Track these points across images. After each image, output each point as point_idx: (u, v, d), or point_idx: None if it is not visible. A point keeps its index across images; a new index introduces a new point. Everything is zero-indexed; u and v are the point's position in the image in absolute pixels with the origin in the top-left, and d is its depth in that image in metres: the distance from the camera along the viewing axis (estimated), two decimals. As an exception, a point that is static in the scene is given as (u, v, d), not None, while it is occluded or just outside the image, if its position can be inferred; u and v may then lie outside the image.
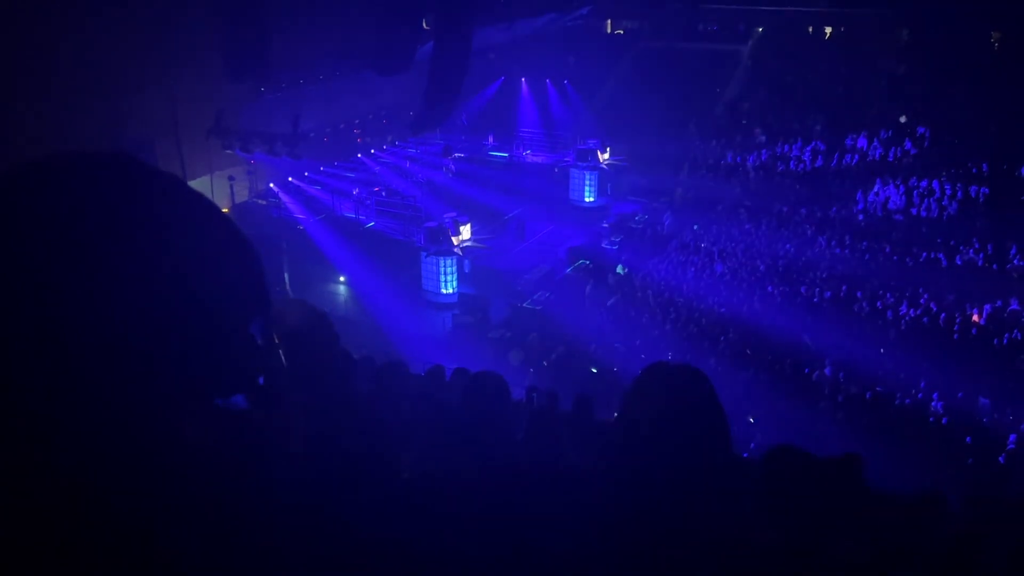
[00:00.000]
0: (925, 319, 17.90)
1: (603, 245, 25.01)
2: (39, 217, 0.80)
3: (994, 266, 20.36)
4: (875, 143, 27.54)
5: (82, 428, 0.77)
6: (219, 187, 24.72)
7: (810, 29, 34.84)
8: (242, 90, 21.96)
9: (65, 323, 0.76)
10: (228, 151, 24.17)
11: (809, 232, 23.52)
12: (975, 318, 17.73)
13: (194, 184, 0.97)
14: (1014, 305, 17.93)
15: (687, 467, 1.74)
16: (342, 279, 23.05)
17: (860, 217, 24.34)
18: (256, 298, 0.91)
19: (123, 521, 0.80)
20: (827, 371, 15.81)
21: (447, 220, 22.71)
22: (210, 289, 0.86)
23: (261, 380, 0.90)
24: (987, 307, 17.87)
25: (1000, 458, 12.82)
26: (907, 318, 17.98)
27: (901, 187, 24.86)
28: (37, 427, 0.77)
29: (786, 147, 28.75)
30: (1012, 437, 13.03)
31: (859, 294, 19.09)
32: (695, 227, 25.16)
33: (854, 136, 28.03)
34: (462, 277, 22.77)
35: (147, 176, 0.88)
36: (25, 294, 0.77)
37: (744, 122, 31.02)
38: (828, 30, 34.65)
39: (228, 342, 0.86)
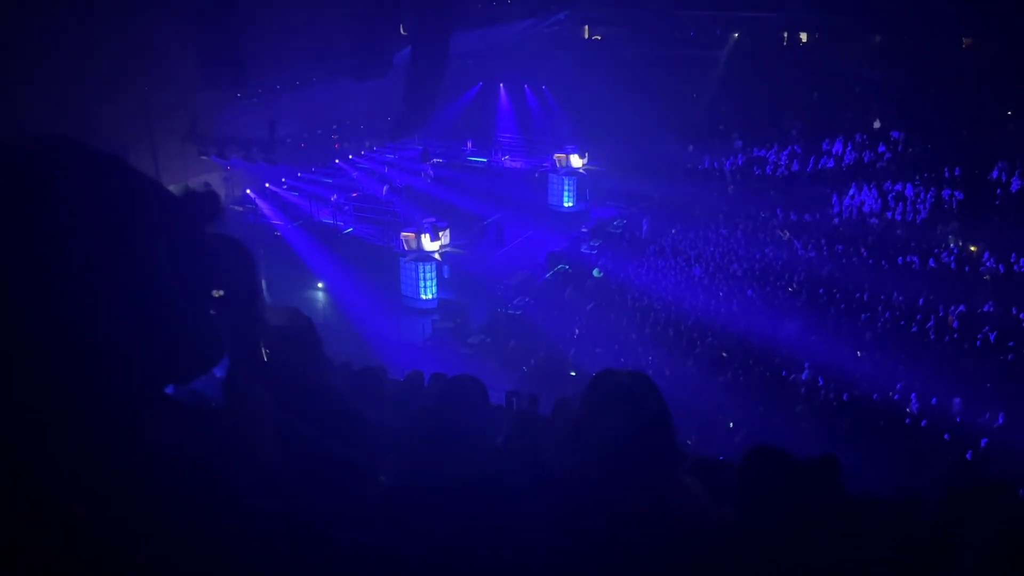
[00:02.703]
0: (901, 321, 18.09)
1: (582, 250, 25.07)
2: None
3: (967, 268, 20.64)
4: (850, 147, 27.84)
5: (36, 429, 0.74)
6: (195, 193, 24.47)
7: (786, 35, 35.16)
8: (218, 95, 21.80)
9: (11, 320, 0.73)
10: (204, 157, 23.98)
11: (786, 235, 23.72)
12: (950, 320, 17.95)
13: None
14: (988, 307, 18.19)
15: (637, 462, 1.80)
16: (320, 285, 22.94)
17: (836, 221, 24.59)
18: (204, 280, 0.88)
19: (88, 526, 0.77)
20: (804, 375, 15.92)
21: (426, 225, 22.67)
22: (155, 272, 0.82)
23: (219, 371, 0.87)
24: (961, 309, 18.10)
25: (969, 454, 12.97)
26: (883, 320, 18.16)
27: (876, 191, 25.15)
28: (6, 433, 0.75)
29: (763, 152, 28.99)
30: (984, 441, 13.18)
31: (838, 297, 19.27)
32: (673, 231, 25.30)
33: (830, 141, 28.33)
34: (441, 282, 22.72)
35: (82, 157, 0.84)
36: None
37: (721, 127, 31.26)
38: (803, 36, 35.00)
39: (176, 326, 0.83)
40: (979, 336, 17.07)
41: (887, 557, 4.01)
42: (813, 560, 2.42)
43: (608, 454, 1.82)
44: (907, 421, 14.26)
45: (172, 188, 0.94)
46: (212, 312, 0.88)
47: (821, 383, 15.57)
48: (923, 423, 14.12)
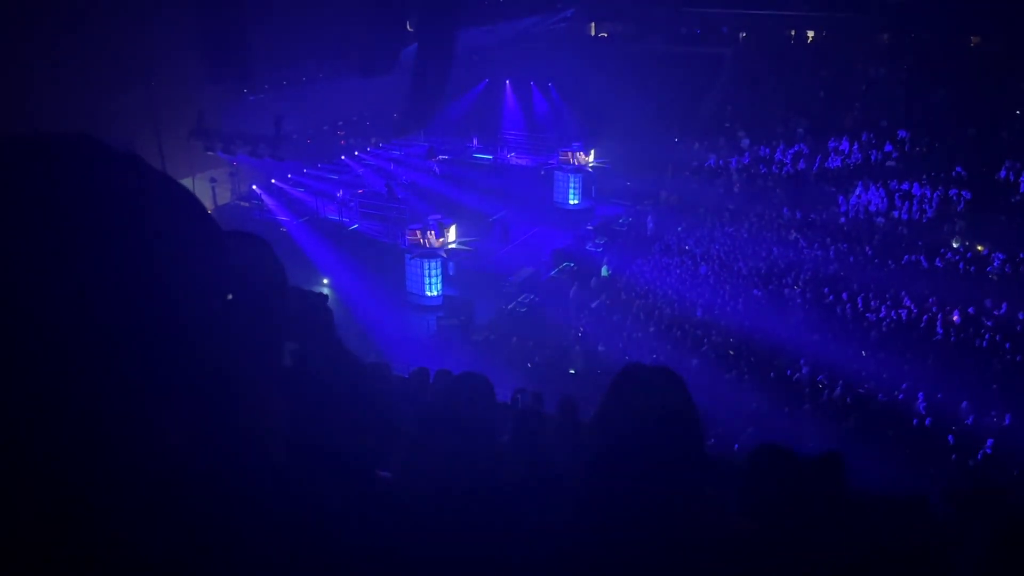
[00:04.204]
0: (907, 321, 18.04)
1: (587, 247, 25.06)
2: None
3: (973, 268, 20.57)
4: (856, 146, 27.76)
5: (45, 425, 0.73)
6: (201, 189, 24.57)
7: (792, 33, 35.10)
8: (224, 91, 21.84)
9: (24, 316, 0.72)
10: (210, 153, 24.04)
11: (792, 235, 23.68)
12: (955, 320, 17.89)
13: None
14: (993, 307, 18.12)
15: (662, 465, 1.76)
16: (325, 281, 22.97)
17: (842, 220, 24.53)
18: (220, 278, 0.87)
19: (96, 523, 0.77)
20: (804, 371, 15.91)
21: (432, 222, 22.68)
22: (169, 269, 0.81)
23: (234, 368, 0.86)
24: (970, 309, 18.05)
25: (978, 455, 12.93)
26: (889, 320, 18.12)
27: (882, 190, 25.08)
28: (17, 430, 0.75)
29: (769, 150, 28.93)
30: (989, 442, 13.13)
31: (844, 296, 19.22)
32: (679, 229, 25.27)
33: (836, 139, 28.25)
34: (446, 279, 22.74)
35: (97, 153, 0.84)
36: None
37: (727, 125, 31.19)
38: (810, 34, 34.93)
39: (190, 324, 0.82)
40: (985, 336, 17.01)
41: (892, 557, 4.00)
42: (820, 561, 2.41)
43: (629, 457, 1.78)
44: (915, 422, 14.22)
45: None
46: (229, 310, 0.88)
47: (827, 382, 15.54)
48: (927, 422, 14.08)
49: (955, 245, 21.97)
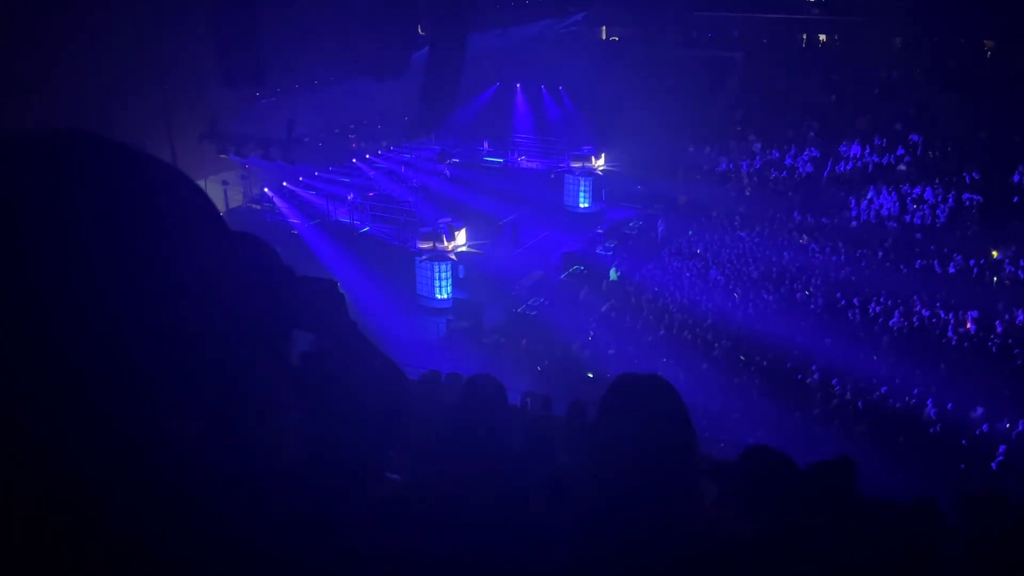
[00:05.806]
0: (919, 326, 17.93)
1: (597, 251, 25.01)
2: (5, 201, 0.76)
3: (987, 273, 20.43)
4: (868, 150, 27.64)
5: (57, 426, 0.73)
6: (213, 192, 24.66)
7: (804, 37, 34.96)
8: (236, 94, 21.92)
9: (30, 314, 0.72)
10: (222, 155, 24.15)
11: (803, 239, 23.59)
12: (968, 325, 17.78)
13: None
14: (1006, 312, 17.99)
15: (653, 468, 1.78)
16: (336, 284, 22.98)
17: (854, 224, 24.42)
18: (230, 274, 0.87)
19: (113, 527, 0.77)
20: (815, 375, 15.83)
21: (442, 225, 22.69)
22: (180, 266, 0.81)
23: (245, 367, 0.86)
24: (979, 313, 17.92)
25: (992, 464, 12.84)
26: (900, 325, 18.01)
27: (894, 194, 24.96)
28: (26, 428, 0.75)
29: (780, 154, 28.83)
30: (1002, 448, 13.04)
31: (856, 300, 19.13)
32: (690, 233, 25.21)
33: (848, 143, 28.13)
34: (456, 282, 22.73)
35: (105, 150, 0.84)
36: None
37: (738, 129, 31.11)
38: (822, 38, 34.79)
39: (200, 322, 0.81)
40: (997, 341, 16.89)
41: (898, 562, 3.99)
42: (822, 565, 2.41)
43: (625, 464, 1.79)
44: (931, 430, 14.12)
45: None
46: (237, 306, 0.88)
47: (837, 387, 15.46)
48: (938, 428, 13.99)
49: (968, 250, 21.84)
